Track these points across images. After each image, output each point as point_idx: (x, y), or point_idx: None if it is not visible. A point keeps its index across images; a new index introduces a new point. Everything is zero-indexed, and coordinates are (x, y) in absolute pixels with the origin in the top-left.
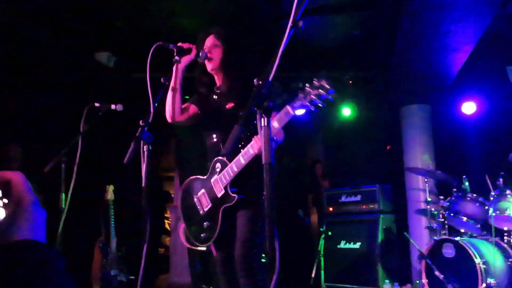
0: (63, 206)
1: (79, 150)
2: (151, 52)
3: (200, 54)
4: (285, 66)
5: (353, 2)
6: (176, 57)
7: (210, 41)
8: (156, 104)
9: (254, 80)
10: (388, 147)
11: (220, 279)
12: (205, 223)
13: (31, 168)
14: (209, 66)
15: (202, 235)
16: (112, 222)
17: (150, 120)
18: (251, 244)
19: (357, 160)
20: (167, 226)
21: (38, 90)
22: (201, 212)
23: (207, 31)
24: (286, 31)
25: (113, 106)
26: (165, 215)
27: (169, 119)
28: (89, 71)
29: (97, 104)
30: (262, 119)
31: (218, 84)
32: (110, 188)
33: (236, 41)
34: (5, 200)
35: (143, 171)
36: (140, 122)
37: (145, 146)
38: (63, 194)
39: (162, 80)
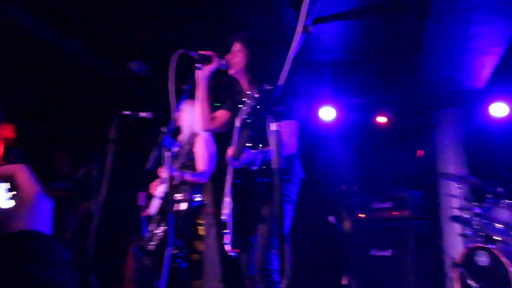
0: (95, 212)
1: (109, 157)
2: (174, 60)
3: (222, 62)
4: (310, 72)
5: (376, 6)
6: (198, 65)
7: (235, 47)
8: (177, 111)
9: (264, 86)
10: (419, 153)
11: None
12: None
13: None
14: (230, 71)
15: None
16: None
17: (171, 127)
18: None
19: (389, 166)
20: (200, 232)
21: (70, 99)
22: None
23: (233, 37)
24: (296, 37)
25: (142, 114)
26: (199, 221)
27: (201, 129)
28: (120, 80)
29: (127, 112)
30: (272, 123)
31: (244, 89)
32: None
33: (259, 46)
34: (14, 192)
35: (165, 177)
36: (162, 129)
37: (166, 152)
38: (95, 201)
39: (183, 87)
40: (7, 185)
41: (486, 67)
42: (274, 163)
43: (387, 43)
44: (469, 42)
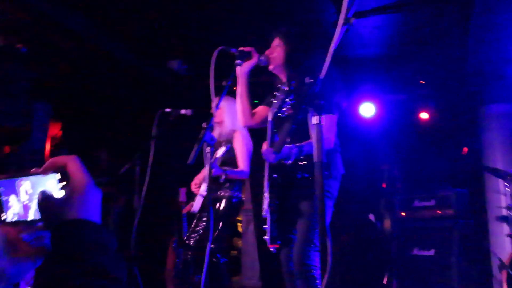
0: (137, 208)
1: (151, 154)
2: (214, 56)
3: (261, 58)
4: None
5: None
6: (238, 61)
7: (274, 42)
8: (218, 107)
9: (306, 79)
10: (465, 149)
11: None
12: None
13: (108, 171)
14: (270, 67)
15: None
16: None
17: (212, 123)
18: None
19: (432, 163)
20: (239, 228)
21: (114, 98)
22: None
23: (273, 33)
24: (338, 29)
25: (183, 111)
26: (237, 218)
27: (242, 124)
28: (161, 78)
29: (168, 110)
30: (313, 117)
31: (282, 84)
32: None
33: (299, 41)
34: (64, 183)
35: (206, 172)
36: (203, 124)
37: (207, 148)
38: (137, 196)
39: (223, 83)
40: (58, 176)
41: None
42: (315, 157)
43: (430, 36)
44: None
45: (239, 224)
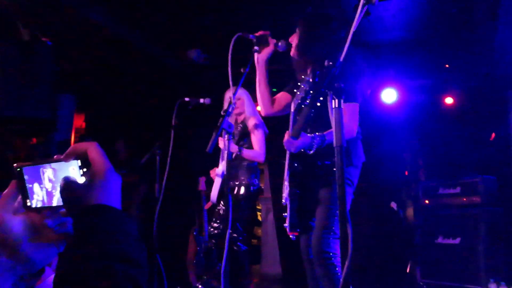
0: (158, 197)
1: (171, 143)
2: (232, 43)
3: (280, 44)
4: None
5: None
6: (256, 47)
7: (299, 31)
8: (236, 94)
9: (325, 62)
10: (493, 135)
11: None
12: None
13: (129, 161)
14: (292, 52)
15: None
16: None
17: (230, 110)
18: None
19: (458, 149)
20: (259, 217)
21: (134, 88)
22: None
23: (296, 19)
24: (358, 9)
25: (201, 100)
26: (257, 207)
27: (262, 113)
28: (181, 67)
29: (187, 99)
30: (333, 100)
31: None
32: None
33: (316, 27)
34: (85, 169)
35: (224, 159)
36: (222, 112)
37: (226, 136)
38: (158, 185)
39: (242, 70)
40: (79, 162)
41: None
42: (335, 141)
43: (456, 18)
44: None
45: (258, 213)
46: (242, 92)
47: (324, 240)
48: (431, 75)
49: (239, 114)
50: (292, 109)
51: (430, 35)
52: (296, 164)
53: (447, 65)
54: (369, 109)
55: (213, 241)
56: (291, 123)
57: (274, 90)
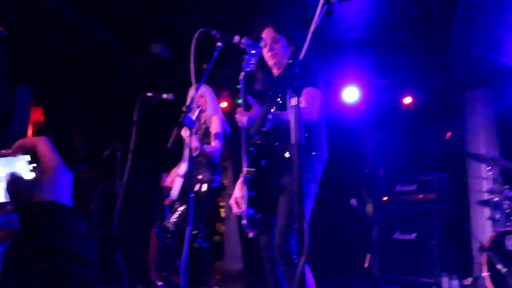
0: (119, 192)
1: (133, 138)
2: (194, 38)
3: (243, 40)
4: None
5: None
6: (219, 43)
7: (268, 34)
8: (198, 92)
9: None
10: (448, 134)
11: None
12: None
13: (89, 156)
14: (271, 61)
15: None
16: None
17: (192, 106)
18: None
19: (415, 147)
20: (222, 214)
21: (95, 82)
22: None
23: (264, 22)
24: (318, 8)
25: (164, 96)
26: (220, 203)
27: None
28: (143, 62)
29: (149, 94)
30: (293, 98)
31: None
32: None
33: (295, 31)
34: (34, 165)
35: (186, 155)
36: (183, 108)
37: (187, 131)
38: (119, 181)
39: (204, 66)
40: (28, 157)
41: None
42: (293, 138)
43: (415, 19)
44: (505, 17)
45: (222, 210)
46: (205, 90)
47: (287, 238)
48: (391, 75)
49: (203, 111)
50: (241, 81)
51: (391, 36)
52: (252, 150)
53: (406, 65)
54: (331, 107)
55: (169, 236)
56: (242, 96)
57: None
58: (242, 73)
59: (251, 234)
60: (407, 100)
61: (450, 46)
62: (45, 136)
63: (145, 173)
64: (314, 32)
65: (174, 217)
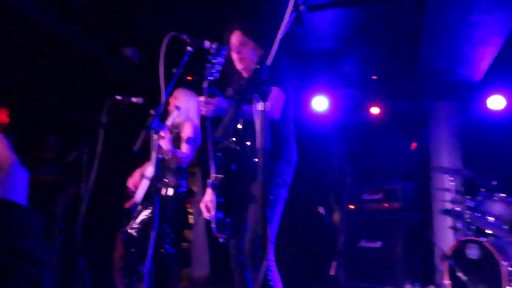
0: (84, 197)
1: (100, 142)
2: (164, 42)
3: (213, 45)
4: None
5: None
6: (189, 48)
7: (237, 38)
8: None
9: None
10: (413, 145)
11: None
12: None
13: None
14: (240, 66)
15: None
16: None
17: (161, 110)
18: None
19: (382, 157)
20: (190, 220)
21: (63, 83)
22: None
23: (231, 26)
24: (286, 16)
25: (134, 99)
26: (189, 210)
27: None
28: (114, 65)
29: (118, 97)
30: (259, 103)
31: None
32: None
33: (261, 34)
34: None
35: (153, 159)
36: (151, 111)
37: (155, 135)
38: (84, 185)
39: (174, 70)
40: None
41: (484, 58)
42: (259, 143)
43: (384, 32)
44: (469, 32)
45: (190, 216)
46: (181, 93)
47: (255, 244)
48: (359, 86)
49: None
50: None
51: (360, 47)
52: (218, 154)
53: (374, 77)
54: (301, 115)
55: (133, 241)
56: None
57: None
58: (206, 82)
59: (221, 239)
60: (375, 110)
61: (417, 59)
62: (0, 134)
63: (112, 176)
64: (286, 40)
65: (137, 222)
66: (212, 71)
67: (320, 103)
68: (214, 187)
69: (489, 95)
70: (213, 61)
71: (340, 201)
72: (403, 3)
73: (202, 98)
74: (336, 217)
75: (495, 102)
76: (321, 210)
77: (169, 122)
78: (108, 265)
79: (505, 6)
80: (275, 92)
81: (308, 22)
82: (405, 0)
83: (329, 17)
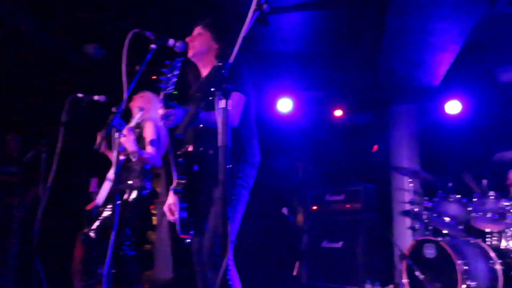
0: (42, 197)
1: (60, 140)
2: (127, 39)
3: (177, 44)
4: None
5: None
6: (153, 45)
7: (196, 31)
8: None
9: (214, 62)
10: (375, 147)
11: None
12: None
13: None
14: (189, 53)
15: None
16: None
17: (122, 108)
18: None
19: (345, 158)
20: (153, 222)
21: (23, 80)
22: None
23: (197, 22)
24: (249, 14)
25: (96, 97)
26: (152, 211)
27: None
28: (76, 63)
29: (80, 95)
30: (221, 100)
31: (202, 74)
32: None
33: (222, 29)
34: None
35: (114, 158)
36: (113, 109)
37: (116, 134)
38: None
39: (137, 68)
40: None
41: (442, 64)
42: (220, 141)
43: (347, 36)
44: (428, 38)
45: (153, 218)
46: (144, 95)
47: (216, 243)
48: (323, 88)
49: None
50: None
51: (324, 50)
52: (181, 160)
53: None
54: (265, 117)
55: (92, 243)
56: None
57: (175, 92)
58: (162, 93)
59: (187, 240)
60: (338, 113)
61: (379, 64)
62: None
63: (72, 177)
64: (251, 41)
65: (96, 224)
66: (168, 84)
67: (284, 105)
68: (176, 193)
69: (447, 100)
70: (168, 74)
71: (304, 202)
72: (365, 9)
73: (160, 111)
74: (300, 217)
75: (452, 107)
76: (284, 210)
77: (133, 123)
78: (67, 268)
79: (462, 14)
80: (235, 98)
81: (274, 24)
82: (367, 6)
83: (294, 19)
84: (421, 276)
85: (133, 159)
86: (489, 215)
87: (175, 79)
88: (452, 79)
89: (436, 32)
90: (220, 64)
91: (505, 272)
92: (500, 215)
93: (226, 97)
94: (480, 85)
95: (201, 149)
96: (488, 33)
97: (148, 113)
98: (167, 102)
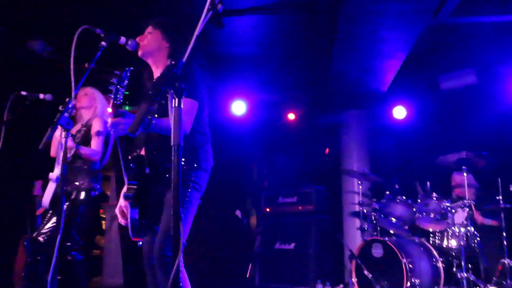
0: None
1: (1, 140)
2: (76, 35)
3: (129, 42)
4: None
5: (291, 3)
6: (103, 43)
7: (147, 30)
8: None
9: (167, 61)
10: (327, 150)
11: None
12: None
13: None
14: (139, 52)
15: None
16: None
17: (70, 106)
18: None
19: (297, 161)
20: (103, 226)
21: None
22: None
23: (147, 22)
24: (203, 13)
25: (41, 96)
26: (102, 215)
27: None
28: (20, 59)
29: (23, 93)
30: (173, 99)
31: (154, 74)
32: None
33: (172, 29)
34: None
35: (60, 158)
36: (60, 107)
37: (63, 133)
38: None
39: (86, 65)
40: None
41: (390, 70)
42: (173, 140)
43: (300, 41)
44: (377, 45)
45: (103, 222)
46: (91, 90)
47: (167, 244)
48: (276, 92)
49: (82, 108)
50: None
51: (277, 54)
52: (133, 166)
53: (290, 83)
54: (219, 119)
55: (39, 249)
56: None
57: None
58: (111, 103)
59: (139, 243)
60: (291, 116)
61: (330, 69)
62: None
63: (15, 179)
64: (206, 43)
65: (45, 228)
66: (117, 95)
67: (238, 108)
68: (127, 198)
69: (394, 105)
70: (118, 86)
71: (257, 204)
72: (317, 15)
73: (109, 120)
74: (253, 220)
75: (398, 112)
76: (238, 213)
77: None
78: (9, 274)
79: (407, 24)
80: (187, 105)
81: (228, 26)
82: (319, 12)
83: (249, 23)
84: (369, 275)
85: (69, 155)
86: (432, 215)
87: (123, 90)
88: (398, 86)
89: (383, 40)
90: (173, 62)
91: (446, 269)
92: (442, 216)
93: (179, 96)
94: (424, 91)
95: (154, 152)
96: (431, 42)
97: (94, 111)
98: (116, 111)
